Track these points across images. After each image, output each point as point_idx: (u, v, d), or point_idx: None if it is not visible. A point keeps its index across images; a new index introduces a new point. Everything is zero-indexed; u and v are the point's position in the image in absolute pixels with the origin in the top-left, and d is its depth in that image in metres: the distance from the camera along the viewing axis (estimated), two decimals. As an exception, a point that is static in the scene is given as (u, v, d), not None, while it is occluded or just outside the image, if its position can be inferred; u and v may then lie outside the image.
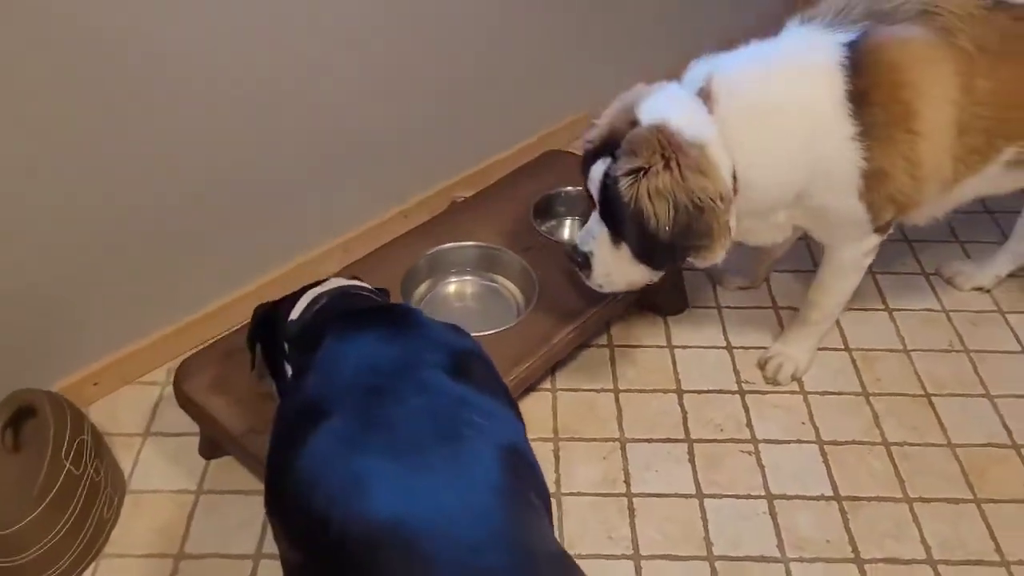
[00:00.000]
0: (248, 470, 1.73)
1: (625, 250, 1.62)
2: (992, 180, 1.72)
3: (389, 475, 1.05)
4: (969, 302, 2.17)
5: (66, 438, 1.56)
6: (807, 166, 1.57)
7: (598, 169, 1.60)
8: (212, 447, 1.78)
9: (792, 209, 1.68)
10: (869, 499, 1.75)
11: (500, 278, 1.95)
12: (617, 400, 1.94)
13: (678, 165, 1.49)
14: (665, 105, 1.56)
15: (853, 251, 1.77)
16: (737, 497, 1.75)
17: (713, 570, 1.63)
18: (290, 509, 1.15)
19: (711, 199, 1.51)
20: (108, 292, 1.82)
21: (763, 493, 1.76)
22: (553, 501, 1.70)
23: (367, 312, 1.35)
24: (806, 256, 2.28)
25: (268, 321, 1.48)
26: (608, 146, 1.58)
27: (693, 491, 1.76)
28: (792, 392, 1.96)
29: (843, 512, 1.73)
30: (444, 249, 1.94)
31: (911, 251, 2.32)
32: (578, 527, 1.69)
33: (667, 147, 1.50)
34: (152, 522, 1.69)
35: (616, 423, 1.89)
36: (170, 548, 1.65)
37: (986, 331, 2.11)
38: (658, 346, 2.06)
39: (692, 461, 1.82)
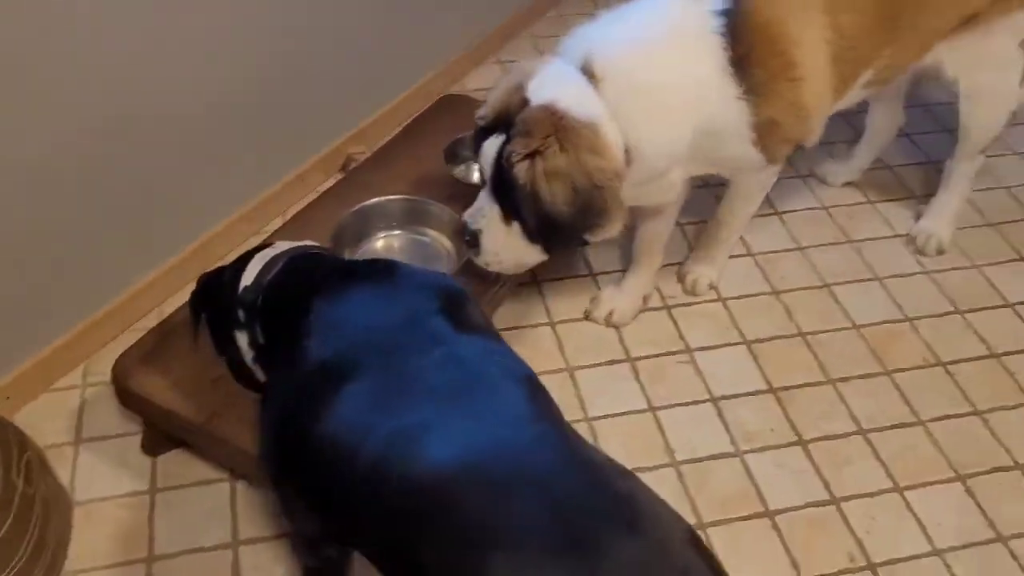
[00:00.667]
0: (207, 459, 1.66)
1: (516, 228, 1.61)
2: (851, 99, 1.86)
3: (438, 423, 1.06)
4: (843, 197, 2.37)
5: (14, 457, 1.43)
6: (698, 131, 1.61)
7: (491, 146, 1.59)
8: (157, 442, 1.68)
9: (688, 164, 1.71)
10: (799, 386, 1.91)
11: (429, 230, 1.93)
12: (555, 332, 1.99)
13: (573, 146, 1.51)
14: (553, 84, 1.56)
15: (757, 179, 1.87)
16: (685, 404, 1.86)
17: (680, 474, 1.74)
18: (322, 478, 1.13)
19: (607, 178, 1.53)
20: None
21: (707, 397, 1.88)
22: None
23: (352, 269, 1.31)
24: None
25: (213, 289, 1.39)
26: (500, 123, 1.58)
27: (645, 406, 1.85)
28: (712, 301, 2.08)
29: (780, 402, 1.88)
30: (368, 206, 1.89)
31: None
32: (549, 457, 1.74)
33: (560, 128, 1.51)
34: (110, 530, 1.59)
35: (560, 354, 1.94)
36: (137, 553, 1.56)
37: (862, 222, 2.32)
38: (581, 275, 2.12)
39: (638, 378, 1.90)
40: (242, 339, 1.35)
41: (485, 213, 1.64)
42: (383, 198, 1.91)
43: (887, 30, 1.71)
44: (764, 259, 2.19)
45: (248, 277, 1.36)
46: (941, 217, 2.22)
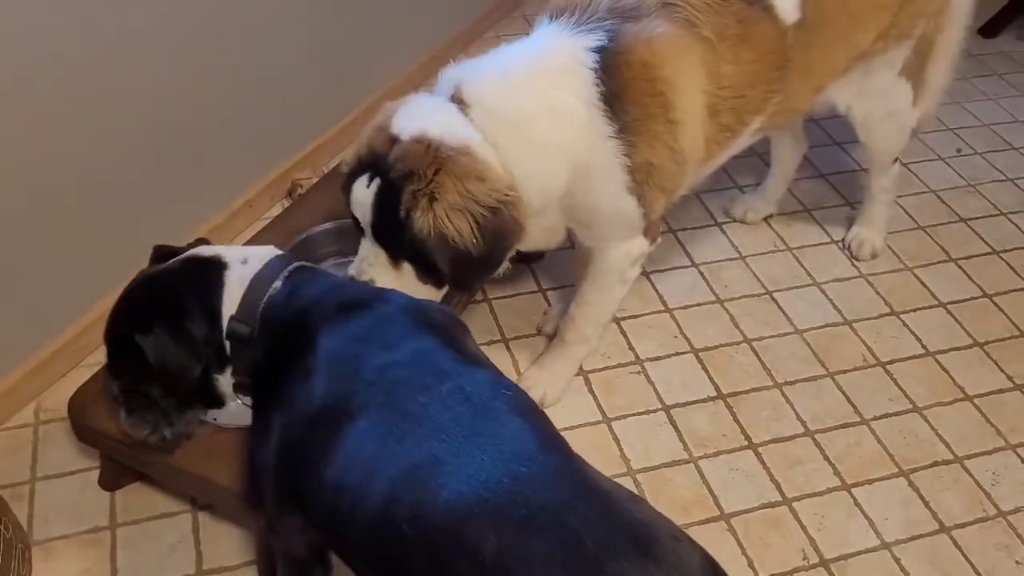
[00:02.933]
0: (167, 491, 1.65)
1: (407, 270, 1.55)
2: (739, 147, 1.87)
3: (450, 460, 1.05)
4: (781, 206, 2.45)
5: (-30, 499, 1.41)
6: (570, 170, 1.57)
7: (362, 191, 1.51)
8: (116, 476, 1.67)
9: (561, 212, 1.66)
10: (747, 391, 1.97)
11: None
12: (508, 348, 2.02)
13: (457, 177, 1.46)
14: (419, 115, 1.52)
15: (619, 255, 1.74)
16: (638, 414, 1.91)
17: (636, 482, 1.78)
18: (329, 516, 1.14)
19: (503, 196, 1.49)
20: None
21: (660, 405, 1.93)
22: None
23: (353, 301, 1.27)
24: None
25: (168, 307, 1.29)
26: (368, 166, 1.51)
27: (600, 417, 1.90)
28: (658, 312, 2.14)
29: (729, 407, 1.94)
30: (314, 234, 1.90)
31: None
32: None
33: (438, 159, 1.46)
34: (72, 568, 1.57)
35: (514, 369, 1.97)
36: (100, 590, 1.55)
37: (799, 229, 2.40)
38: (531, 292, 2.16)
39: (591, 391, 1.95)
40: (223, 378, 1.31)
41: (371, 261, 1.56)
42: (328, 224, 1.92)
43: (775, 80, 1.72)
44: (707, 269, 2.26)
45: (230, 302, 1.28)
46: (871, 224, 2.32)
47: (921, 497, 1.80)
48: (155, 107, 1.88)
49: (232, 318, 1.29)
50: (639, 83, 1.55)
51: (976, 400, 2.00)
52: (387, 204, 1.48)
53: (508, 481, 1.02)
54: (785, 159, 2.35)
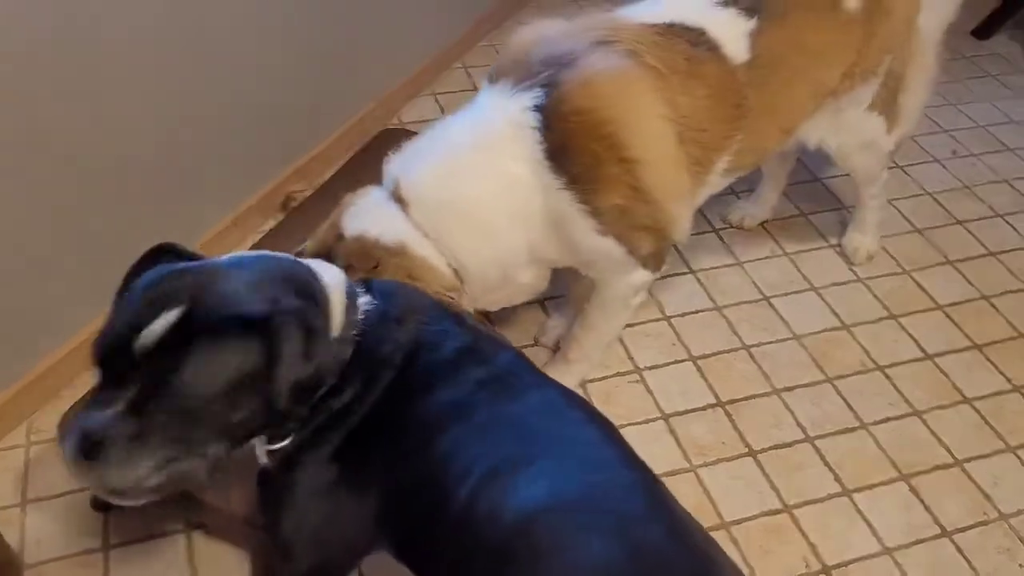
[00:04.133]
0: (161, 511, 1.63)
1: None
2: (713, 187, 1.82)
3: (536, 465, 1.05)
4: (776, 211, 2.44)
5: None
6: (530, 231, 1.56)
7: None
8: (109, 498, 1.65)
9: (539, 265, 1.65)
10: (746, 398, 1.96)
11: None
12: (505, 359, 2.01)
13: (391, 277, 1.45)
14: (362, 215, 1.54)
15: (621, 284, 1.72)
16: (638, 423, 1.89)
17: (636, 493, 1.77)
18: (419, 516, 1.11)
19: (435, 296, 1.43)
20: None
21: (659, 414, 1.91)
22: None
23: (444, 324, 1.19)
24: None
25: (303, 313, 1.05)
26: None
27: (598, 427, 1.88)
28: (656, 320, 2.12)
29: (728, 415, 1.92)
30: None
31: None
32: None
33: (373, 258, 1.49)
34: (65, 592, 1.56)
35: (511, 381, 1.96)
36: (94, 613, 1.53)
37: (796, 234, 2.39)
38: (529, 302, 2.14)
39: (590, 401, 1.93)
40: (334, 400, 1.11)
41: None
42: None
43: (734, 117, 1.69)
44: (705, 275, 2.25)
45: (336, 318, 1.09)
46: (864, 228, 2.30)
47: (922, 501, 1.78)
48: (143, 123, 1.87)
49: (335, 338, 1.08)
50: (580, 131, 1.52)
51: (975, 403, 1.98)
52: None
53: (583, 489, 1.03)
54: (777, 164, 2.33)
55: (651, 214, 1.61)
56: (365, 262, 1.48)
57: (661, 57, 1.59)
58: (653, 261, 1.72)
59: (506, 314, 2.10)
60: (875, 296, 2.22)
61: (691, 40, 1.64)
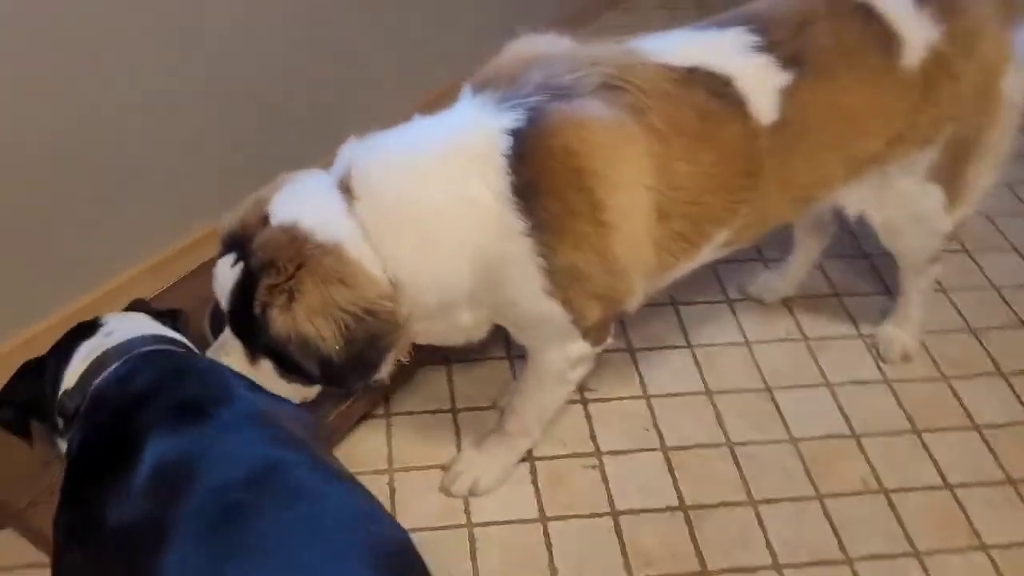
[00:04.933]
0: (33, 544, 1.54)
1: (267, 366, 1.36)
2: (703, 259, 1.60)
3: None
4: (807, 285, 2.15)
5: None
6: (474, 267, 1.37)
7: (224, 272, 1.34)
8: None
9: (478, 309, 1.46)
10: (715, 505, 1.71)
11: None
12: (455, 420, 1.83)
13: (320, 278, 1.28)
14: (299, 200, 1.34)
15: (556, 357, 1.53)
16: (581, 517, 1.68)
17: (557, 600, 1.56)
18: None
19: (371, 305, 1.31)
20: None
21: (608, 510, 1.69)
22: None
23: (196, 405, 1.11)
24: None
25: (29, 385, 1.25)
26: (234, 244, 1.34)
27: (536, 514, 1.67)
28: (635, 397, 1.89)
29: (689, 522, 1.68)
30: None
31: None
32: (415, 568, 1.58)
33: (299, 253, 1.29)
34: (-72, 615, 1.49)
35: (455, 446, 1.78)
36: (-51, 642, 1.46)
37: (823, 316, 2.10)
38: (497, 357, 1.96)
39: (535, 481, 1.73)
40: (62, 446, 1.22)
41: (227, 351, 1.38)
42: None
43: (742, 188, 1.47)
44: (703, 352, 2.00)
45: (71, 376, 1.21)
46: (905, 321, 2.00)
47: (897, 669, 1.51)
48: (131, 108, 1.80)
49: (65, 390, 1.19)
50: (559, 173, 1.33)
51: (993, 551, 1.67)
52: (244, 293, 1.31)
53: None
54: (811, 233, 2.05)
55: (610, 284, 1.42)
56: (287, 257, 1.28)
57: (668, 116, 1.39)
58: (596, 334, 1.52)
59: (471, 367, 1.92)
60: (899, 403, 1.92)
61: (713, 90, 1.44)
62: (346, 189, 1.35)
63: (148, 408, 1.10)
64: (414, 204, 1.34)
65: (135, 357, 1.20)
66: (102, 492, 1.06)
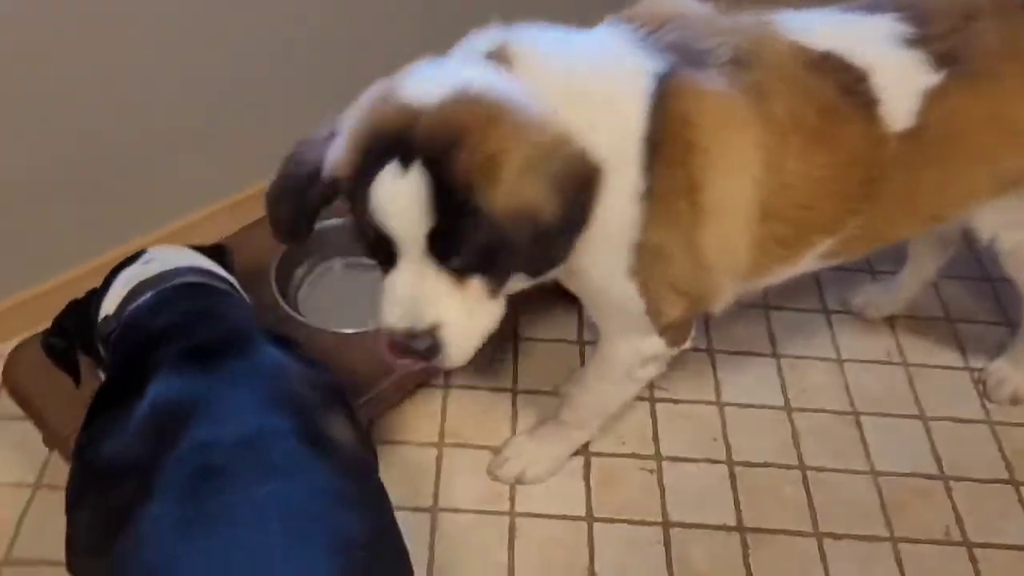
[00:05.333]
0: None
1: (476, 286, 1.13)
2: (801, 269, 1.46)
3: None
4: (918, 305, 1.96)
5: None
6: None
7: (395, 186, 1.07)
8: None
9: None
10: (775, 532, 1.60)
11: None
12: (515, 402, 1.76)
13: (515, 128, 1.07)
14: (444, 75, 1.13)
15: (626, 350, 1.41)
16: (630, 523, 1.59)
17: (591, 608, 1.49)
18: None
19: (569, 147, 1.10)
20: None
21: (659, 519, 1.60)
22: (427, 517, 1.56)
23: (209, 350, 1.09)
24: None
25: (77, 313, 1.28)
26: (387, 147, 1.07)
27: (583, 512, 1.60)
28: (707, 402, 1.78)
29: (745, 545, 1.57)
30: (329, 227, 1.72)
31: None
32: (450, 550, 1.53)
33: (488, 115, 1.07)
34: None
35: (510, 428, 1.71)
36: (-7, 550, 1.50)
37: (929, 341, 1.92)
38: (567, 341, 1.87)
39: (587, 477, 1.65)
40: (101, 373, 1.25)
41: (431, 292, 1.12)
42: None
43: (856, 197, 1.32)
44: (789, 363, 1.86)
45: (110, 302, 1.23)
46: (1020, 363, 1.80)
47: None
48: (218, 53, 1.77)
49: (104, 316, 1.22)
50: (676, 140, 1.19)
51: (1082, 630, 1.51)
52: (442, 191, 1.06)
53: None
54: (929, 248, 1.85)
55: (694, 278, 1.30)
56: (475, 122, 1.06)
57: (791, 107, 1.25)
58: (674, 333, 1.40)
59: (538, 347, 1.85)
60: (1000, 448, 1.74)
61: (844, 85, 1.29)
62: (502, 59, 1.16)
63: (164, 344, 1.11)
64: (584, 84, 1.17)
65: (169, 289, 1.19)
66: (107, 421, 1.08)
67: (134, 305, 1.20)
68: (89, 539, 1.08)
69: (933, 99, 1.30)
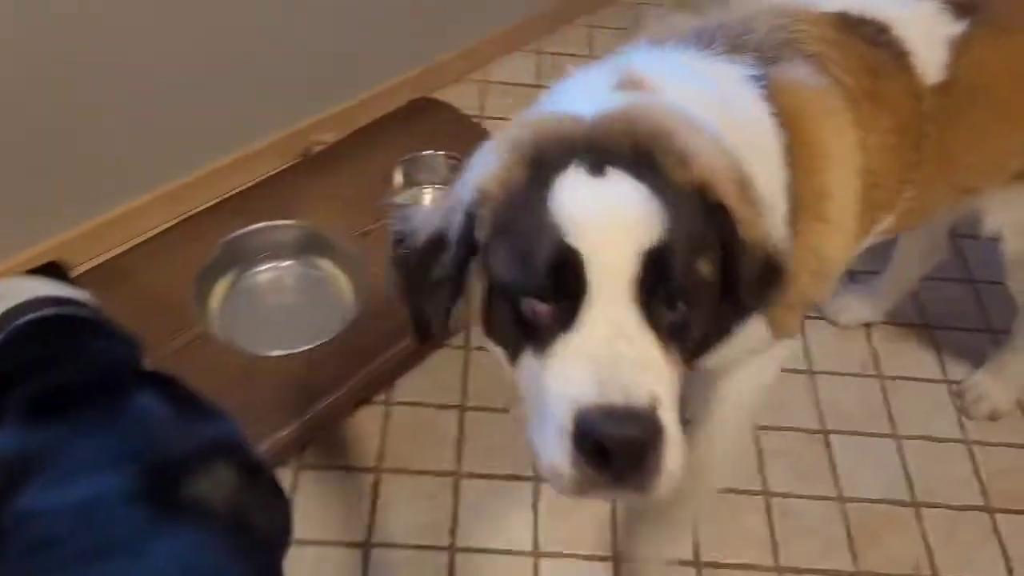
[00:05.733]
0: None
1: (675, 354, 0.86)
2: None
3: None
4: (897, 312, 1.84)
5: None
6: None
7: (607, 198, 0.84)
8: None
9: None
10: (733, 567, 1.50)
11: (326, 263, 1.62)
12: (462, 421, 1.64)
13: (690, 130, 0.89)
14: (591, 92, 0.97)
15: (752, 378, 1.25)
16: (577, 557, 1.50)
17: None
18: None
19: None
20: None
21: (608, 552, 1.50)
22: (359, 555, 1.45)
23: (61, 397, 0.96)
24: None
25: None
26: (558, 160, 0.86)
27: (530, 547, 1.50)
28: (668, 421, 1.67)
29: (699, 584, 1.49)
30: (255, 230, 1.58)
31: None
32: (380, 592, 1.44)
33: (665, 114, 0.92)
34: None
35: (455, 451, 1.60)
36: None
37: (907, 353, 1.81)
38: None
39: (535, 507, 1.55)
40: None
41: (648, 359, 0.82)
42: (275, 222, 1.60)
43: (911, 164, 1.19)
44: (757, 378, 1.75)
45: None
46: (1000, 374, 1.70)
47: None
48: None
49: None
50: (801, 145, 1.04)
51: (1056, 674, 1.43)
52: (670, 203, 0.84)
53: None
54: (917, 250, 1.73)
55: (808, 291, 1.09)
56: (660, 122, 0.89)
57: (851, 71, 1.12)
58: (783, 342, 1.18)
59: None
60: (976, 471, 1.64)
61: (869, 38, 1.16)
62: (634, 84, 0.99)
63: (11, 391, 0.97)
64: (718, 104, 1.00)
65: (22, 326, 1.06)
66: None
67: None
68: None
69: (959, 49, 1.18)
